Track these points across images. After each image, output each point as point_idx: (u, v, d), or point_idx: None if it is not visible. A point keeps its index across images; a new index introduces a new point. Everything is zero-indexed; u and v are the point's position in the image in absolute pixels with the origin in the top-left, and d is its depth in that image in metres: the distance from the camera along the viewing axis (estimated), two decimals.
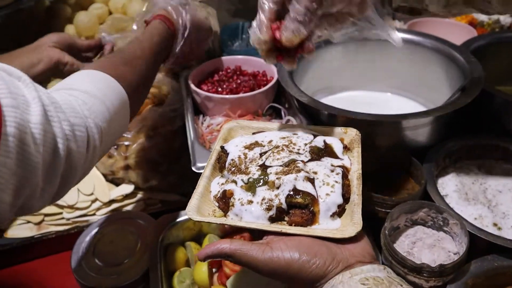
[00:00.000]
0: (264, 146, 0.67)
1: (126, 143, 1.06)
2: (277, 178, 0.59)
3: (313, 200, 0.58)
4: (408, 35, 1.13)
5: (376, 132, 0.88)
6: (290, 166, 0.61)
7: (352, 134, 0.72)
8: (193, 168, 0.86)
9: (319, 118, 0.92)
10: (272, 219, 0.57)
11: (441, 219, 0.77)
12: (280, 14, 0.61)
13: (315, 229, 0.56)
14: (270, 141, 0.69)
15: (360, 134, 0.71)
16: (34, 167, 0.48)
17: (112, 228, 0.94)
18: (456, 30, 1.37)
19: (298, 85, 1.00)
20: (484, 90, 0.92)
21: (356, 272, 0.50)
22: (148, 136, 1.08)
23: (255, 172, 0.62)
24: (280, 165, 0.62)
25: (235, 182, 0.61)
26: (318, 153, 0.66)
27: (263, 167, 0.62)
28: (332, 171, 0.62)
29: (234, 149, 0.67)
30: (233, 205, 0.59)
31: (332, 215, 0.58)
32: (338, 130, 0.73)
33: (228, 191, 0.60)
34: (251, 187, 0.60)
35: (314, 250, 0.52)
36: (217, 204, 0.62)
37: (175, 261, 0.88)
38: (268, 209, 0.57)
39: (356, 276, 0.49)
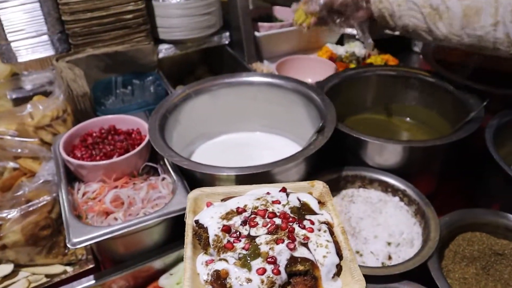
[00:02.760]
0: (241, 214, 0.64)
1: None
2: (270, 249, 0.57)
3: (313, 264, 0.56)
4: (271, 79, 1.23)
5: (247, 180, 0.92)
6: (279, 233, 0.59)
7: (319, 187, 0.71)
8: (69, 245, 0.85)
9: (193, 175, 0.96)
10: None
11: None
12: None
13: None
14: (245, 206, 0.65)
15: (328, 186, 0.71)
16: None
17: None
18: (319, 65, 1.50)
19: (171, 137, 1.03)
20: (338, 129, 1.03)
21: None
22: (22, 211, 1.03)
23: (243, 245, 0.58)
24: (267, 233, 0.59)
25: (225, 260, 0.57)
26: (299, 213, 0.64)
27: (250, 238, 0.59)
28: (319, 229, 0.61)
29: (212, 222, 0.63)
30: (231, 287, 0.55)
31: (333, 277, 0.57)
32: (305, 184, 0.72)
33: (222, 272, 0.56)
34: (245, 263, 0.56)
35: None
36: (210, 287, 0.58)
37: None
38: (270, 283, 0.54)
39: None
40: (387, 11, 1.04)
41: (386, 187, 1.05)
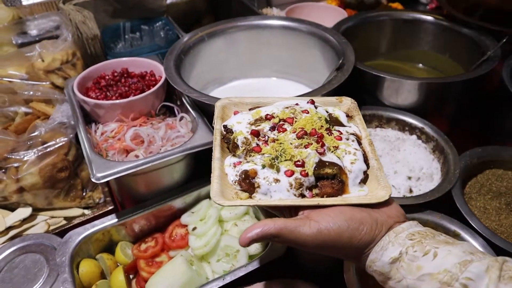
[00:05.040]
0: (269, 120, 0.63)
1: (16, 164, 0.99)
2: (298, 153, 0.57)
3: (340, 169, 0.57)
4: (285, 22, 1.20)
5: None
6: (308, 138, 0.59)
7: (347, 102, 0.71)
8: (93, 179, 0.84)
9: (212, 111, 0.95)
10: (302, 194, 0.55)
11: None
12: None
13: (350, 198, 0.56)
14: (273, 113, 0.65)
15: (356, 102, 0.71)
16: None
17: (15, 257, 0.89)
18: (329, 12, 1.48)
19: (187, 81, 1.01)
20: (356, 67, 1.03)
21: (399, 230, 0.52)
22: (39, 152, 1.02)
23: (271, 149, 0.58)
24: (296, 138, 0.59)
25: (253, 162, 0.58)
26: (328, 123, 0.64)
27: (279, 142, 0.59)
28: (347, 139, 0.61)
29: (240, 127, 0.62)
30: (259, 186, 0.56)
31: (360, 182, 0.58)
32: (333, 99, 0.72)
33: (251, 171, 0.56)
34: (273, 164, 0.56)
35: (358, 217, 0.52)
36: (238, 187, 0.58)
37: (89, 276, 0.87)
38: (297, 185, 0.55)
39: (401, 234, 0.51)
40: None
41: (403, 126, 1.05)
